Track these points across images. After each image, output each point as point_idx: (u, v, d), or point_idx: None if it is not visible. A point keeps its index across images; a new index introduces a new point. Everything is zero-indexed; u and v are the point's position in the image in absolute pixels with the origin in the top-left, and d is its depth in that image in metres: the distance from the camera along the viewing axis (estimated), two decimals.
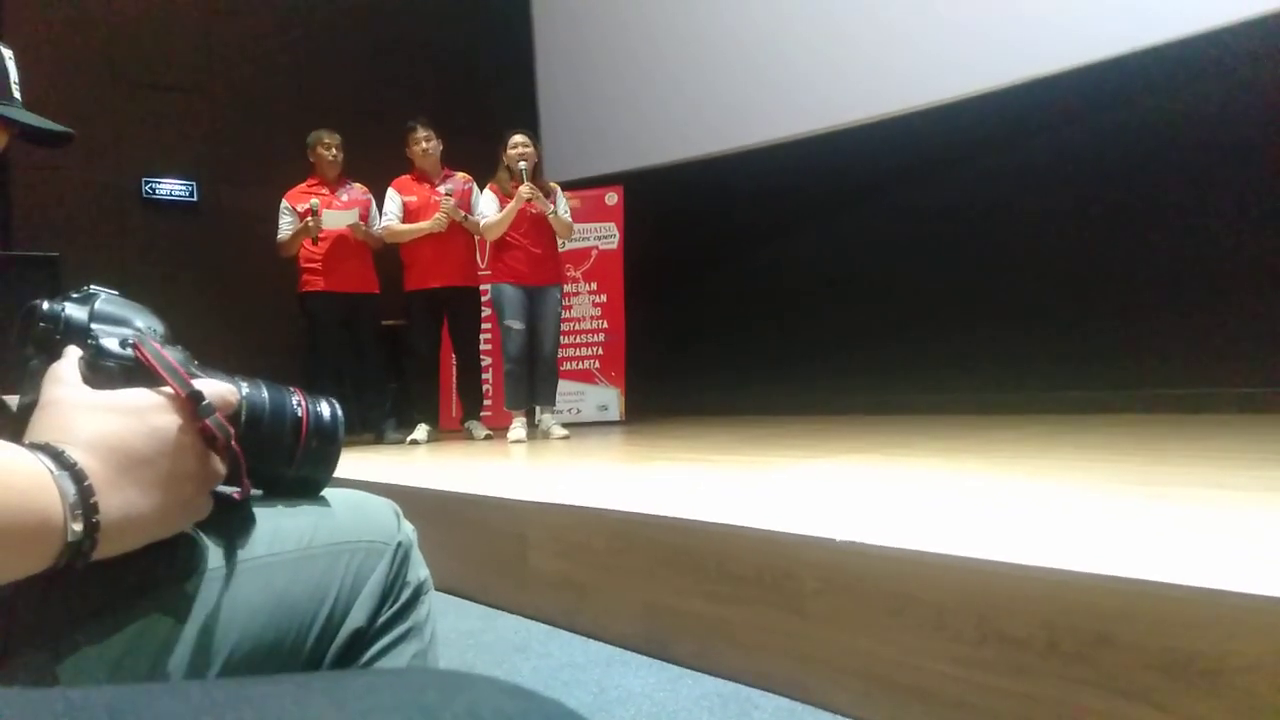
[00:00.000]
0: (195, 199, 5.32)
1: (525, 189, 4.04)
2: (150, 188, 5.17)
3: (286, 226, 4.37)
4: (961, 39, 4.14)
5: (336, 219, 4.33)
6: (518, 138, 4.15)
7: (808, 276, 5.00)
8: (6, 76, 0.95)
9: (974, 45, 4.09)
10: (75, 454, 0.45)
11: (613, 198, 5.35)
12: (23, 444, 0.45)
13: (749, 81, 5.03)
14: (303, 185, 4.47)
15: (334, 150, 4.45)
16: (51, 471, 0.44)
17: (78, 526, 0.43)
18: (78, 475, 0.44)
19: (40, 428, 0.47)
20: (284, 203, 4.40)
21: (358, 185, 4.57)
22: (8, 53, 0.96)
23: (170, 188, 5.23)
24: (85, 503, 0.44)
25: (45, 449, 0.45)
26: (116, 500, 0.46)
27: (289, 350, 4.70)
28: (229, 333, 5.07)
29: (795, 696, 1.28)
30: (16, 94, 0.96)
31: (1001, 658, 1.04)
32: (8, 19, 4.63)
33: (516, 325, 4.18)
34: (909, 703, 1.14)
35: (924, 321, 4.41)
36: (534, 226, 4.17)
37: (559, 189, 4.35)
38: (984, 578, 1.08)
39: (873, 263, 4.67)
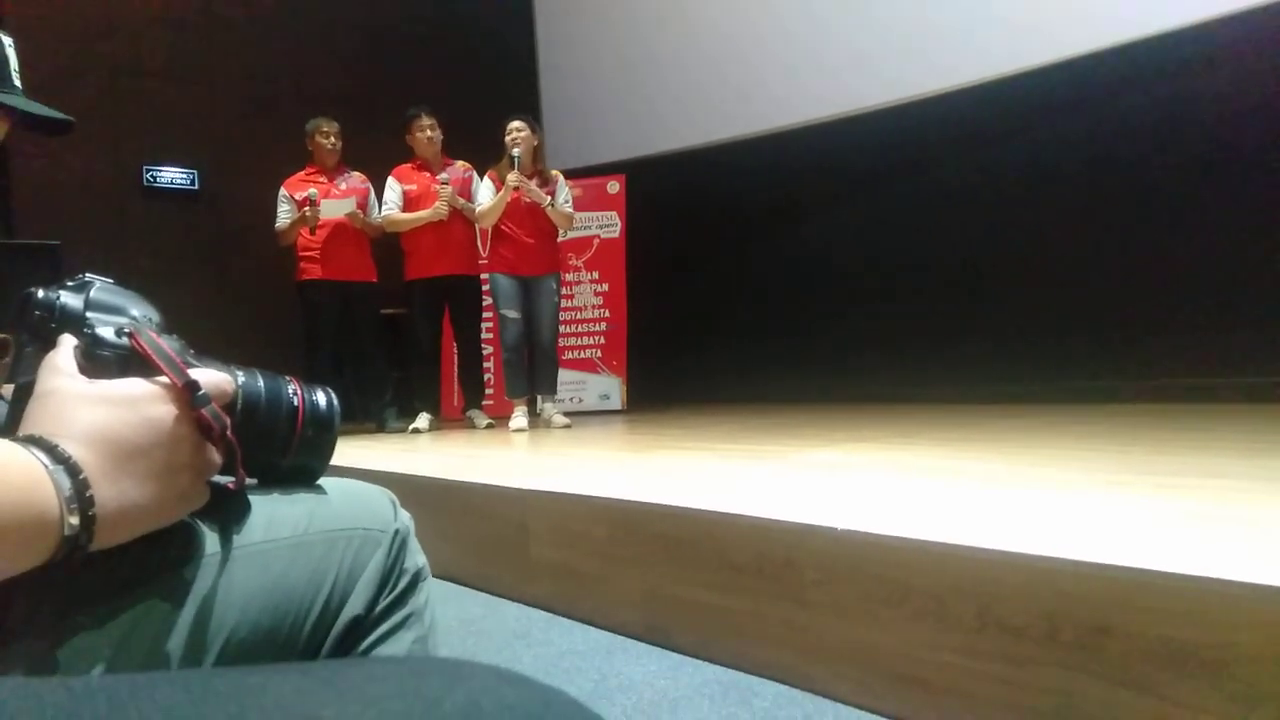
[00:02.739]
0: (197, 187, 5.30)
1: (513, 177, 4.02)
2: (151, 176, 5.16)
3: (284, 215, 4.37)
4: (964, 27, 4.11)
5: (334, 208, 4.32)
6: (514, 123, 4.13)
7: (810, 265, 4.99)
8: (6, 64, 0.94)
9: (977, 33, 4.07)
10: (70, 447, 0.45)
11: (615, 186, 5.33)
12: (17, 437, 0.45)
13: (752, 69, 5.00)
14: (301, 174, 4.46)
15: (332, 138, 4.43)
16: (47, 466, 0.43)
17: (75, 520, 0.43)
18: (73, 469, 0.44)
19: (35, 419, 0.47)
20: (282, 191, 4.39)
21: (356, 174, 4.55)
22: (8, 40, 0.95)
23: (171, 176, 5.22)
24: (81, 496, 0.44)
25: (40, 443, 0.45)
26: (112, 493, 0.46)
27: (291, 339, 4.69)
28: (230, 321, 5.08)
29: (795, 685, 1.29)
30: (16, 81, 0.95)
31: (1001, 647, 1.05)
32: (8, 6, 4.61)
33: (512, 314, 4.18)
34: (909, 691, 1.15)
35: (926, 310, 4.40)
36: (527, 216, 4.15)
37: (561, 177, 4.31)
38: (984, 567, 1.08)
39: (876, 251, 4.66)
